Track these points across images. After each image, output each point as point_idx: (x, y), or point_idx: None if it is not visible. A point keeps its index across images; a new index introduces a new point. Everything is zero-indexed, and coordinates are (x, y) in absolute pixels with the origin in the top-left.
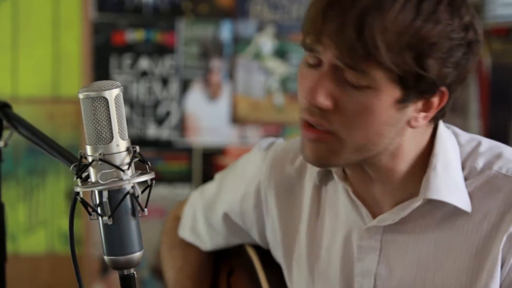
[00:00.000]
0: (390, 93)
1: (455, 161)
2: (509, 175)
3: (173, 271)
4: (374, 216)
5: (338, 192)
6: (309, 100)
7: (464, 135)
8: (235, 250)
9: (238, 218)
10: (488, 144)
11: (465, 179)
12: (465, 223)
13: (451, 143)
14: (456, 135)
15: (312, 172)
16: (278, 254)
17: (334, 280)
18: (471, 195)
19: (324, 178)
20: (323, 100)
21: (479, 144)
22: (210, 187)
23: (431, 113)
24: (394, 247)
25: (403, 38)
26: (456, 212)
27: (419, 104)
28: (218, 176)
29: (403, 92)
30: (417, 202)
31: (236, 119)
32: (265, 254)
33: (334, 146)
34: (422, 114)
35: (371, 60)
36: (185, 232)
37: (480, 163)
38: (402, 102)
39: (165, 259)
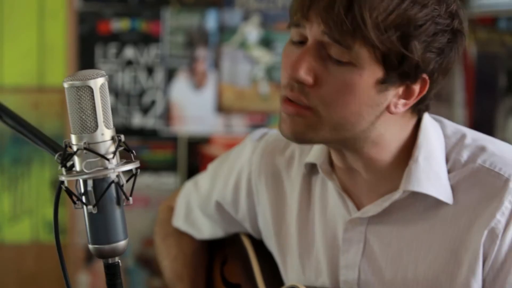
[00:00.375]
0: (372, 72)
1: (439, 153)
2: (492, 169)
3: (168, 260)
4: (359, 208)
5: (327, 184)
6: (290, 75)
7: (451, 127)
8: (230, 239)
9: (231, 208)
10: (473, 136)
11: (449, 171)
12: (447, 216)
13: (436, 134)
14: (443, 126)
15: (300, 162)
16: (270, 244)
17: (322, 272)
18: (454, 187)
19: (313, 169)
20: (304, 75)
21: (464, 136)
22: (203, 178)
23: (411, 101)
24: (377, 240)
25: (390, 17)
26: (438, 205)
27: (400, 90)
28: (211, 167)
29: (385, 72)
30: (397, 194)
31: (222, 108)
32: (259, 243)
33: (311, 122)
34: (402, 101)
35: (357, 36)
36: (178, 222)
37: (464, 155)
38: (383, 83)
39: (159, 248)
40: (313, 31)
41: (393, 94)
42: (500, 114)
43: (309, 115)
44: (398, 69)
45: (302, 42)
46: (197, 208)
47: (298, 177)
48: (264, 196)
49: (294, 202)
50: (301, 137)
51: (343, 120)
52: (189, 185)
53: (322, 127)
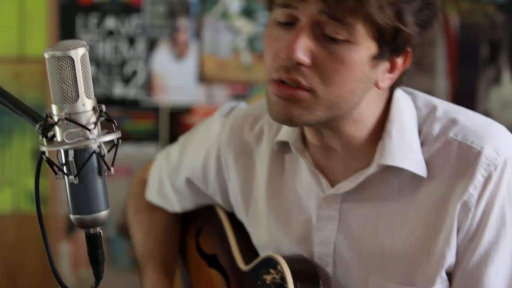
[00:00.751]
0: (367, 48)
1: (411, 126)
2: (464, 143)
3: (139, 235)
4: (333, 186)
5: (299, 162)
6: (287, 56)
7: (422, 98)
8: (204, 210)
9: (201, 184)
10: (444, 108)
11: (422, 144)
12: (421, 191)
13: (407, 107)
14: (414, 98)
15: (269, 138)
16: (242, 218)
17: (296, 248)
18: (427, 161)
19: (284, 147)
20: (302, 56)
21: (435, 108)
22: (173, 151)
23: (395, 75)
24: (353, 216)
25: None
26: (412, 179)
27: (387, 65)
28: (181, 140)
29: (379, 48)
30: (371, 169)
31: (203, 78)
32: (234, 214)
33: (308, 103)
34: (388, 75)
35: (358, 13)
36: (152, 195)
37: (436, 128)
38: (376, 58)
39: (132, 222)
40: (309, 10)
41: (381, 69)
42: (482, 85)
43: (306, 97)
44: (391, 44)
45: (289, 23)
46: (168, 181)
47: (267, 154)
48: (233, 172)
49: (263, 179)
50: (296, 120)
51: (339, 98)
52: (161, 157)
53: (317, 108)
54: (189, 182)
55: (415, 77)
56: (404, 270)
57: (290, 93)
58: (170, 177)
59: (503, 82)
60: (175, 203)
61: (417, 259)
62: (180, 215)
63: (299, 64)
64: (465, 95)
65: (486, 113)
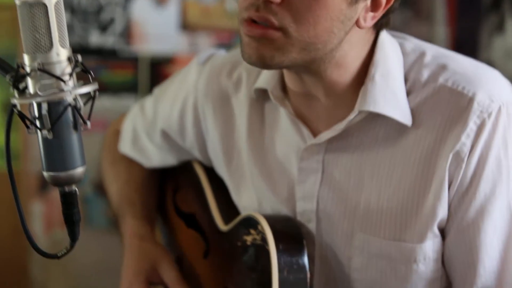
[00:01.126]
0: None
1: (397, 72)
2: (455, 89)
3: (118, 184)
4: (315, 136)
5: (279, 111)
6: None
7: (410, 43)
8: (181, 166)
9: (178, 137)
10: (433, 54)
11: (409, 92)
12: (409, 141)
13: (393, 52)
14: (402, 43)
15: (248, 85)
16: (222, 172)
17: (279, 204)
18: (415, 110)
19: (263, 95)
20: None
21: (423, 53)
22: (148, 103)
23: (379, 14)
24: (336, 168)
25: None
26: (399, 128)
27: (368, 2)
28: (156, 91)
29: None
30: (352, 115)
31: (186, 26)
32: (212, 170)
33: (280, 43)
34: (371, 14)
35: None
36: (125, 147)
37: (424, 74)
38: None
39: (108, 173)
40: None
41: (362, 7)
42: (484, 32)
43: (278, 37)
44: None
45: None
46: (143, 134)
47: (246, 103)
48: (212, 123)
49: (243, 130)
50: (269, 62)
51: (314, 39)
52: (136, 109)
53: (291, 49)
54: (165, 135)
55: (412, 25)
56: (391, 225)
57: (261, 33)
58: (146, 130)
59: (506, 30)
60: (154, 156)
61: (406, 214)
62: (156, 171)
63: (268, 1)
64: (466, 44)
65: (489, 62)
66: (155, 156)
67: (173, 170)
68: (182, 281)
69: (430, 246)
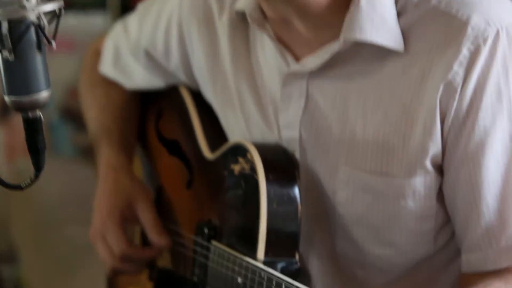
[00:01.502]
0: None
1: None
2: (448, 11)
3: (95, 110)
4: (298, 60)
5: (264, 35)
6: None
7: None
8: (166, 90)
9: (162, 58)
10: None
11: (399, 13)
12: (397, 67)
13: None
14: None
15: (231, 6)
16: (209, 96)
17: (267, 129)
18: (404, 33)
19: (245, 17)
20: None
21: None
22: (132, 21)
23: None
24: (321, 96)
25: None
26: (387, 54)
27: None
28: (140, 8)
29: None
30: (337, 44)
31: None
32: (199, 94)
33: None
34: None
35: None
36: (106, 68)
37: None
38: None
39: (86, 97)
40: None
41: None
42: None
43: None
44: None
45: None
46: (127, 53)
47: (229, 24)
48: (197, 42)
49: (227, 52)
50: None
51: None
52: (118, 27)
53: None
54: (149, 56)
55: None
56: (377, 158)
57: None
58: (130, 49)
59: None
60: (137, 76)
61: (392, 147)
62: (138, 94)
63: None
64: None
65: None
66: (139, 76)
67: (156, 95)
68: (159, 224)
69: (420, 182)
